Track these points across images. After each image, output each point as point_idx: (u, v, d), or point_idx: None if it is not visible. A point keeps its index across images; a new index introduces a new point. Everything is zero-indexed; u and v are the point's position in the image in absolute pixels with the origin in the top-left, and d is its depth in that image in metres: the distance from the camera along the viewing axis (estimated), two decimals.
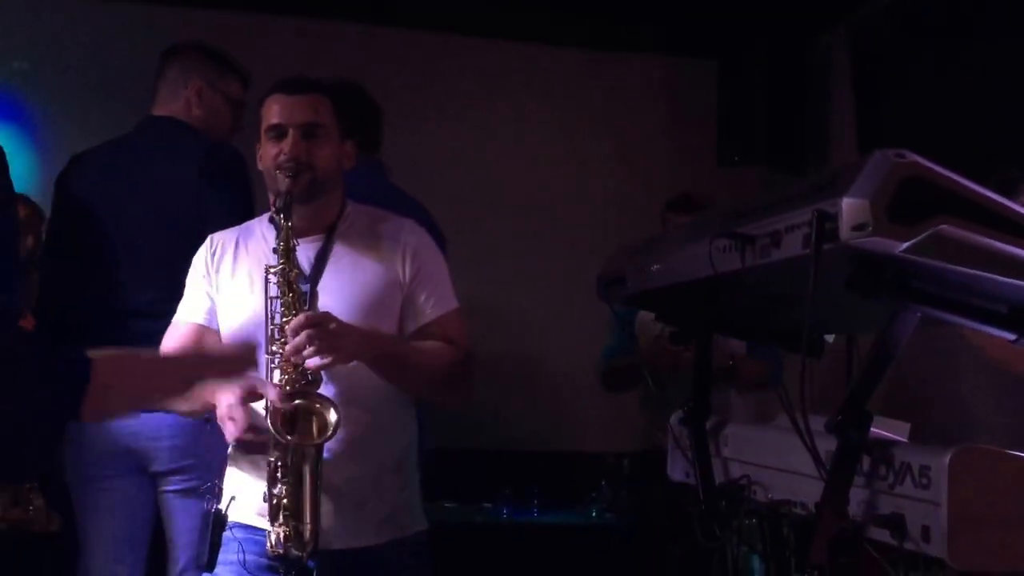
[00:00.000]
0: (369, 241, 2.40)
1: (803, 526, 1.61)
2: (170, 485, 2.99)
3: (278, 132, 2.36)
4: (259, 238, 2.45)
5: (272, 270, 2.26)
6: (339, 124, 2.42)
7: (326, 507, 2.21)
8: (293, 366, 2.19)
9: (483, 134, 5.32)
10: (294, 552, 2.14)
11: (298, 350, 2.14)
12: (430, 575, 2.47)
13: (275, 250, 2.27)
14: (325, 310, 2.24)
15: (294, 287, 2.24)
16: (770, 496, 1.73)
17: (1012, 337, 1.46)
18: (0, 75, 4.76)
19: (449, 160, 5.18)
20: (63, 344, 2.99)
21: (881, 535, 1.41)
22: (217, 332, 2.42)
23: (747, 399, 3.84)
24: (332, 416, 2.17)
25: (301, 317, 2.16)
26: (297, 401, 2.18)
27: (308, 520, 2.15)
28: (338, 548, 2.25)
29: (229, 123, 3.22)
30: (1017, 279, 1.33)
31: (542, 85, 5.45)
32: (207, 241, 2.52)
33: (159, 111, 3.15)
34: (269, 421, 2.15)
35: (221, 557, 2.25)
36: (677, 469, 2.14)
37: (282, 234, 2.25)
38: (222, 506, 2.26)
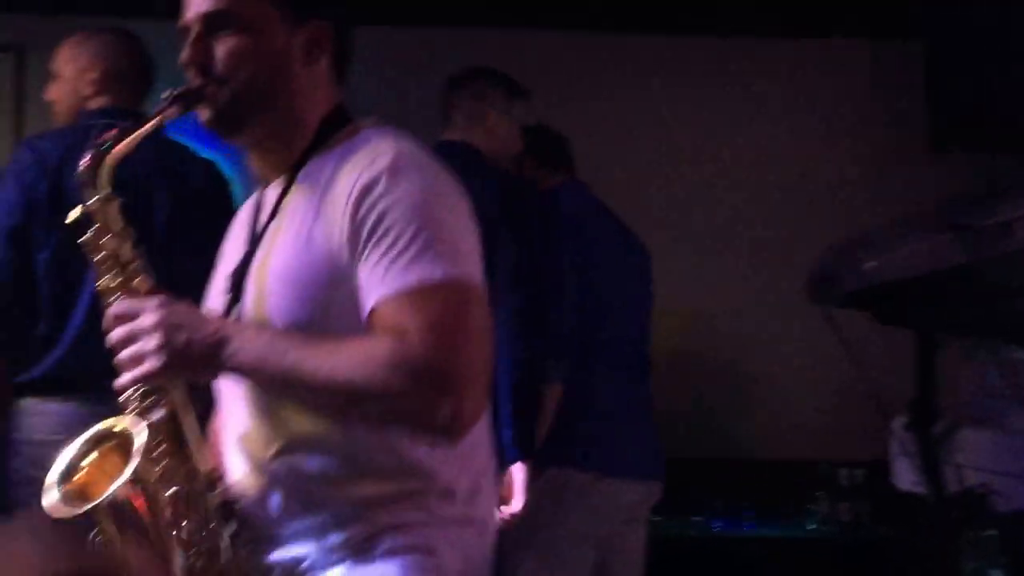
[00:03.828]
0: (324, 183, 1.60)
1: None
2: None
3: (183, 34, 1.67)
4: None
5: (84, 240, 1.62)
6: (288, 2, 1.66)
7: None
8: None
9: (680, 131, 5.29)
10: None
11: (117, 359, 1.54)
12: None
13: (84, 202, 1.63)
14: (156, 298, 1.57)
15: (120, 263, 1.62)
16: (1013, 506, 1.68)
17: None
18: None
19: (647, 159, 5.16)
20: None
21: None
22: None
23: None
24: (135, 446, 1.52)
25: (112, 309, 1.57)
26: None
27: None
28: None
29: (519, 147, 3.28)
30: None
31: (731, 77, 5.38)
32: None
33: (452, 136, 3.19)
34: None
35: None
36: (904, 477, 2.10)
37: (90, 178, 1.64)
38: None
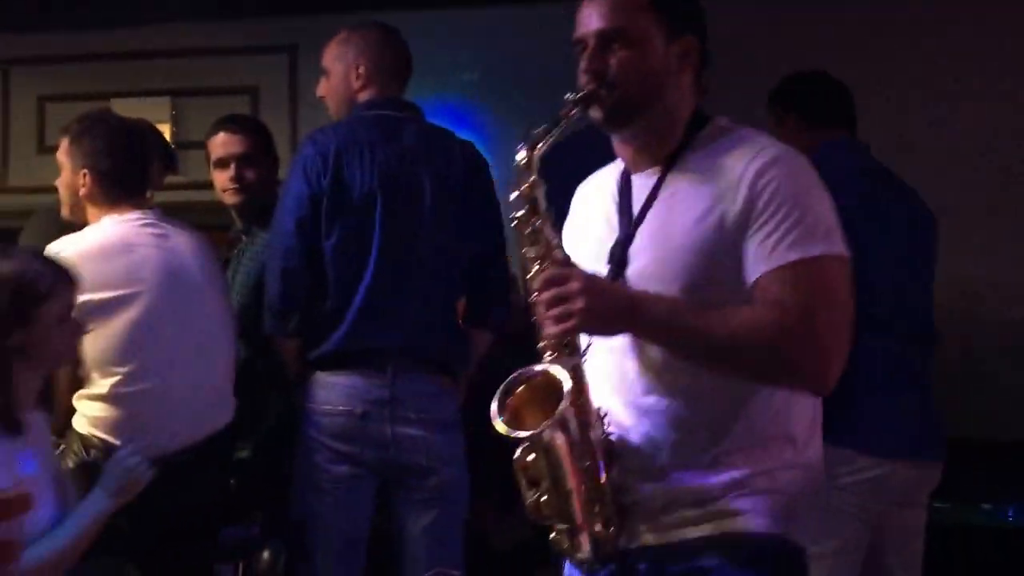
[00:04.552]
0: (710, 170, 1.91)
1: None
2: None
3: (579, 48, 1.98)
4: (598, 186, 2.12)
5: (517, 218, 1.92)
6: (667, 18, 1.94)
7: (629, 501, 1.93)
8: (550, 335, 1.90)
9: (961, 80, 4.93)
10: (588, 559, 1.91)
11: (540, 315, 1.86)
12: None
13: (520, 193, 1.91)
14: (577, 267, 1.88)
15: (542, 238, 1.89)
16: None
17: None
18: (451, 88, 5.09)
19: (926, 113, 4.85)
20: None
21: None
22: None
23: None
24: (564, 388, 1.82)
25: (540, 276, 1.86)
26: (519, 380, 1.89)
27: (581, 522, 1.88)
28: (638, 546, 1.92)
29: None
30: None
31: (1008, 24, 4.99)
32: None
33: None
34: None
35: None
36: None
37: (524, 167, 1.90)
38: None
